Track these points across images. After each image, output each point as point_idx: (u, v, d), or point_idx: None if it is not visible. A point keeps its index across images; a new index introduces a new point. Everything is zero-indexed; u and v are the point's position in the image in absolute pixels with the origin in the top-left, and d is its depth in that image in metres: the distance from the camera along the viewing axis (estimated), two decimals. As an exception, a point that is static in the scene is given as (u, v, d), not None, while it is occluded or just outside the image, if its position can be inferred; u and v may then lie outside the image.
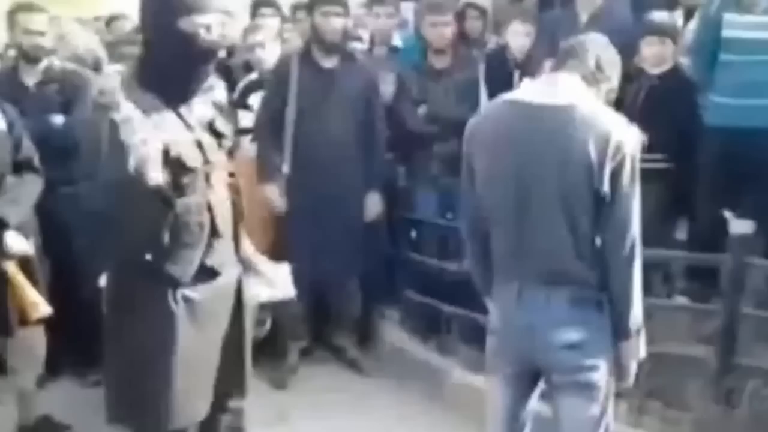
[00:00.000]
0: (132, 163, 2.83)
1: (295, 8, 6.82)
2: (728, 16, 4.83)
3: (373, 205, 5.28)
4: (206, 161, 3.03)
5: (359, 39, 6.02)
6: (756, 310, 4.56)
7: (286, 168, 5.13)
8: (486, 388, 3.32)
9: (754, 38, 4.74)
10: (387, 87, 5.61)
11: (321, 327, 5.55)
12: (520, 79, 5.16)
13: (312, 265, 5.11)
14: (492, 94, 4.81)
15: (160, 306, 2.96)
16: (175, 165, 2.91)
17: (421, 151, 5.65)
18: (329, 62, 5.21)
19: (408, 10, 6.80)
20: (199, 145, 3.02)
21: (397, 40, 6.27)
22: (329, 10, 5.14)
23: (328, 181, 5.08)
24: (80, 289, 4.76)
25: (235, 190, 3.27)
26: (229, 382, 3.25)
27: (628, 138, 2.86)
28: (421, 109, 5.66)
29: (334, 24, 5.13)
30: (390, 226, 5.52)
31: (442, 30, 5.63)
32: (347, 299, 5.43)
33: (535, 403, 3.23)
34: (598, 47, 3.05)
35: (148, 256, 2.92)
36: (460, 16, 5.96)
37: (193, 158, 2.96)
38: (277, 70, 5.29)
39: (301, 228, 5.08)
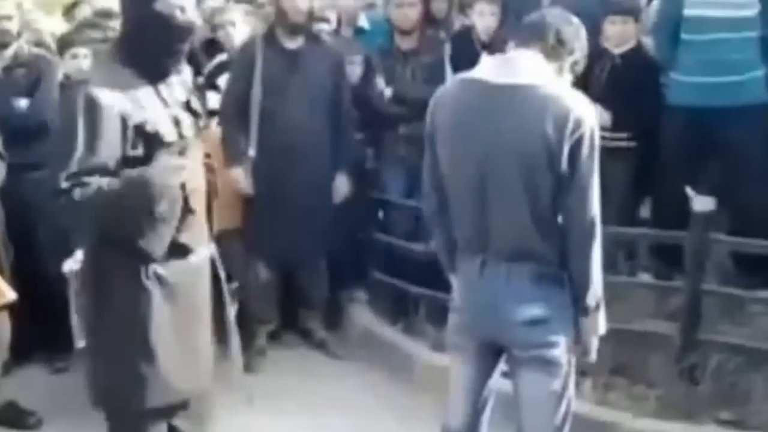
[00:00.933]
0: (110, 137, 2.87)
1: None
2: (690, -5, 4.87)
3: (342, 186, 5.28)
4: (181, 137, 3.06)
5: (326, 20, 6.00)
6: (718, 287, 4.62)
7: (252, 150, 5.12)
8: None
9: (715, 17, 4.77)
10: (354, 68, 5.60)
11: (289, 310, 5.54)
12: (486, 60, 5.16)
13: (280, 247, 5.12)
14: (458, 75, 4.83)
15: (134, 282, 2.98)
16: (150, 139, 2.93)
17: (388, 132, 5.66)
18: (293, 43, 5.19)
19: (375, -8, 6.78)
20: (176, 120, 3.06)
21: (363, 22, 6.26)
22: None
23: (295, 163, 5.06)
24: (46, 275, 4.76)
25: (209, 169, 3.31)
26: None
27: (587, 115, 2.86)
28: (388, 91, 5.67)
29: (298, 4, 5.11)
30: (358, 208, 5.51)
31: (407, 11, 5.63)
32: (315, 281, 5.43)
33: (496, 381, 3.24)
34: (558, 21, 3.02)
35: (120, 231, 2.93)
36: (426, -3, 5.93)
37: (168, 133, 3.00)
38: (242, 52, 5.28)
39: (269, 210, 5.07)
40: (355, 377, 5.05)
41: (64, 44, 5.65)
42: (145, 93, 2.98)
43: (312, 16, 5.38)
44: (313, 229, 5.15)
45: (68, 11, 7.05)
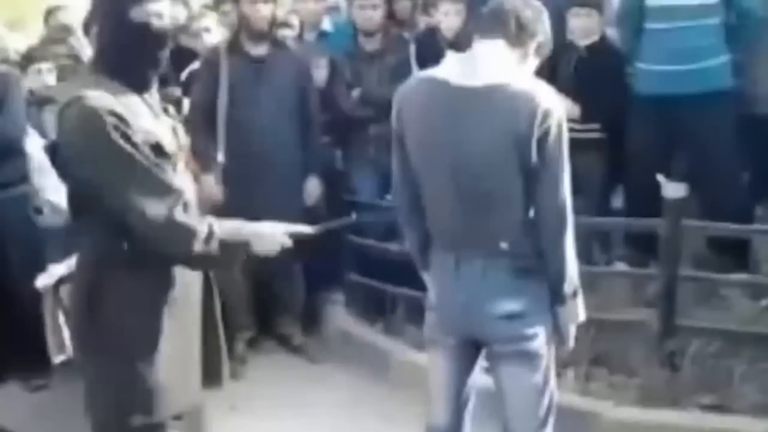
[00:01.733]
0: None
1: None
2: (651, -16, 4.90)
3: (313, 189, 5.28)
4: (179, 147, 3.02)
5: (290, 26, 5.99)
6: (694, 272, 4.65)
7: (220, 157, 5.10)
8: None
9: (677, 5, 4.81)
10: (320, 71, 5.61)
11: (266, 316, 5.52)
12: (452, 59, 5.16)
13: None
14: (425, 75, 4.84)
15: (141, 296, 2.92)
16: (155, 151, 2.86)
17: (357, 133, 5.68)
18: (259, 50, 5.19)
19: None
20: (174, 130, 3.01)
21: (326, 25, 6.25)
22: None
23: (265, 168, 5.05)
24: (17, 292, 4.71)
25: (195, 176, 3.27)
26: (204, 372, 3.25)
27: (555, 106, 2.85)
28: (355, 92, 5.68)
29: (261, 11, 5.11)
30: (330, 210, 5.49)
31: (370, 13, 5.65)
32: (291, 286, 5.42)
33: (477, 377, 3.23)
34: (517, 6, 2.98)
35: (125, 245, 2.88)
36: (389, -2, 5.94)
37: (170, 144, 2.93)
38: (207, 60, 5.26)
39: (240, 217, 5.02)
40: (335, 379, 5.04)
41: (28, 59, 5.62)
42: (137, 103, 2.90)
43: (275, 22, 5.37)
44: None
45: (47, 18, 7.05)
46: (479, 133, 2.86)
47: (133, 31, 2.88)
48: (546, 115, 2.81)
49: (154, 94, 3.05)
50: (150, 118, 2.93)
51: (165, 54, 3.03)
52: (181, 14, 6.19)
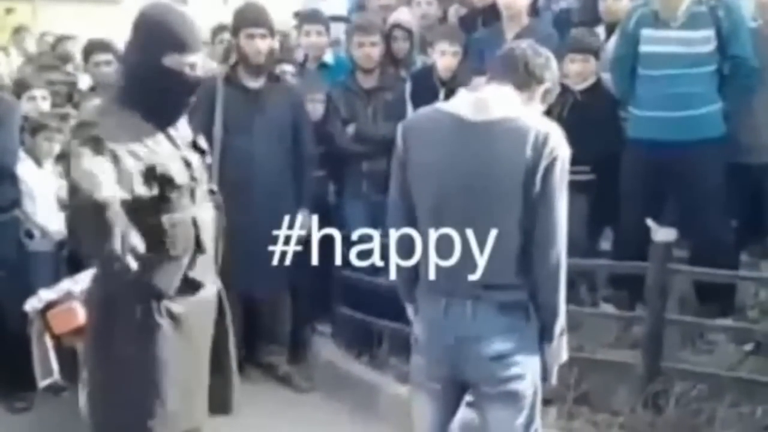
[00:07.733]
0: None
1: (215, 31, 6.86)
2: (645, 32, 4.94)
3: (304, 222, 5.30)
4: (192, 178, 3.08)
5: (290, 62, 6.04)
6: (680, 315, 4.67)
7: (213, 187, 5.10)
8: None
9: (671, 52, 4.84)
10: (316, 105, 5.68)
11: (251, 345, 5.50)
12: (446, 98, 5.21)
13: (242, 282, 5.09)
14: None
15: (145, 319, 2.96)
16: (162, 181, 2.92)
17: (350, 168, 5.72)
18: (255, 83, 5.26)
19: (340, 30, 6.85)
20: (186, 162, 3.06)
21: (328, 57, 6.31)
22: (254, 32, 5.18)
23: (257, 200, 5.08)
24: (5, 315, 4.71)
25: (217, 206, 3.31)
26: (211, 399, 3.27)
27: (562, 143, 2.92)
28: (350, 128, 5.72)
29: (258, 46, 5.18)
30: (321, 242, 5.51)
31: (369, 50, 5.71)
32: (278, 316, 5.43)
33: (462, 414, 3.25)
34: (527, 54, 3.08)
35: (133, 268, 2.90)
36: (387, 37, 5.99)
37: (180, 175, 2.99)
38: (203, 89, 5.27)
39: (231, 246, 5.04)
40: (320, 411, 5.04)
41: (22, 86, 5.65)
42: (153, 136, 2.96)
43: (273, 56, 5.43)
44: (275, 263, 5.14)
45: (14, 35, 7.07)
46: (487, 162, 2.91)
47: (166, 77, 2.93)
48: (554, 147, 2.88)
49: (182, 127, 3.08)
50: (167, 151, 2.97)
51: (192, 99, 3.07)
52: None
